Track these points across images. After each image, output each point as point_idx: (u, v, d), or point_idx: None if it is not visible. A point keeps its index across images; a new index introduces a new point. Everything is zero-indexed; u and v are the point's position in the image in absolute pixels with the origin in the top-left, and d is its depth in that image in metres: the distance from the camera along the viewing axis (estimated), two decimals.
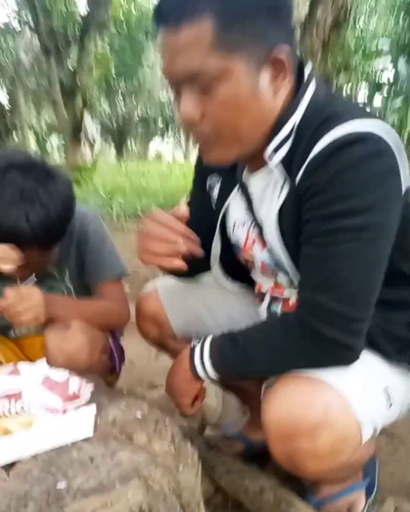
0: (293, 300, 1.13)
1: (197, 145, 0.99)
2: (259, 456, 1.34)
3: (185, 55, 0.86)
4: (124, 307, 1.41)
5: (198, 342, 1.07)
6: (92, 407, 0.99)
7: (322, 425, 0.91)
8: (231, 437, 1.46)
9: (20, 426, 0.95)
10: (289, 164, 0.95)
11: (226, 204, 1.15)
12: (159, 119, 22.32)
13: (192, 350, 1.07)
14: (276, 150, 0.96)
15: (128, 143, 23.58)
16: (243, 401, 1.56)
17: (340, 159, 0.85)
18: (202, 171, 1.22)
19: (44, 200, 1.17)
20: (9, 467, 0.87)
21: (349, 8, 6.20)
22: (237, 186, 1.11)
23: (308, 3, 6.08)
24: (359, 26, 11.02)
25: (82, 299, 1.42)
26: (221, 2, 0.84)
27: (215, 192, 1.19)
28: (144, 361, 2.24)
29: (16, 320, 1.19)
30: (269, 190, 1.03)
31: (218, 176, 1.17)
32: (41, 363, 1.12)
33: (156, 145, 26.39)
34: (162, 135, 23.15)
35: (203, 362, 1.05)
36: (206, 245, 1.18)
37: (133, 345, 2.01)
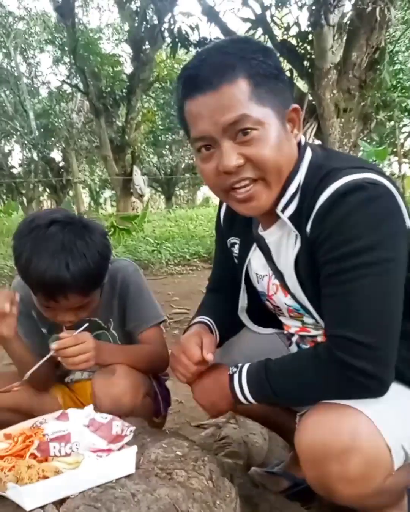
0: (319, 338, 1.20)
1: (234, 198, 1.08)
2: (303, 493, 1.34)
3: (228, 107, 0.99)
4: (165, 351, 1.49)
5: (236, 370, 1.13)
6: (134, 448, 1.05)
7: (351, 450, 0.95)
8: (276, 475, 1.47)
9: (69, 466, 1.02)
10: (298, 218, 1.06)
11: (247, 260, 1.26)
12: None
13: (231, 377, 1.13)
14: (286, 205, 1.08)
15: (177, 191, 24.28)
16: (285, 438, 1.58)
17: (341, 206, 0.96)
18: (222, 234, 1.35)
19: (82, 250, 1.29)
20: (59, 503, 0.94)
21: (384, 47, 6.33)
22: (255, 243, 1.22)
23: (343, 48, 6.26)
24: (398, 62, 11.09)
25: (127, 346, 1.51)
26: (251, 67, 1.00)
27: (236, 251, 1.30)
28: (192, 401, 2.28)
29: (69, 362, 1.28)
30: (283, 241, 1.14)
31: (236, 237, 1.29)
32: (88, 408, 1.20)
33: (204, 190, 26.99)
34: None
35: (243, 389, 1.11)
36: (238, 296, 1.31)
37: (183, 386, 2.06)
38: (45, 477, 0.97)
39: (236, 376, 1.12)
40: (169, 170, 22.02)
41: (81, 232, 1.32)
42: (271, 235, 1.17)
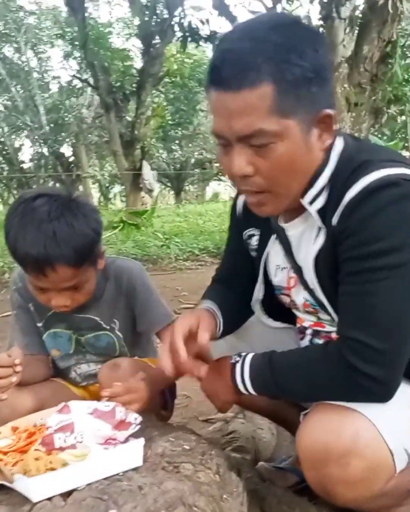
0: (334, 334, 1.16)
1: (244, 198, 1.08)
2: (311, 489, 1.33)
3: (245, 117, 0.92)
4: None
5: (239, 360, 1.11)
6: (141, 440, 1.05)
7: (351, 453, 0.94)
8: (283, 470, 1.46)
9: (76, 458, 1.02)
10: (324, 211, 1.02)
11: (265, 252, 1.22)
12: (215, 162, 22.94)
13: (233, 369, 1.11)
14: (314, 198, 1.03)
15: (186, 186, 24.27)
16: (292, 433, 1.56)
17: (371, 202, 0.92)
18: (238, 224, 1.31)
19: (69, 219, 1.25)
20: (66, 495, 0.94)
21: (396, 41, 6.26)
22: (274, 235, 1.19)
23: (354, 40, 6.21)
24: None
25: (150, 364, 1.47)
26: (279, 71, 0.90)
27: (254, 242, 1.26)
28: (200, 396, 2.28)
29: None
30: (306, 235, 1.10)
31: (255, 228, 1.25)
32: (91, 401, 1.19)
33: (213, 186, 26.98)
34: (218, 177, 23.77)
35: (244, 382, 1.09)
36: (246, 289, 1.29)
37: (190, 380, 2.05)
38: (53, 469, 0.97)
39: (238, 366, 1.11)
40: (178, 166, 22.01)
41: (69, 204, 1.28)
42: (293, 227, 1.12)
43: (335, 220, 0.98)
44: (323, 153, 1.02)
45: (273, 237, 1.20)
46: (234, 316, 1.31)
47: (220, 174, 22.46)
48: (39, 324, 1.52)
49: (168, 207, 15.65)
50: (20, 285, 1.49)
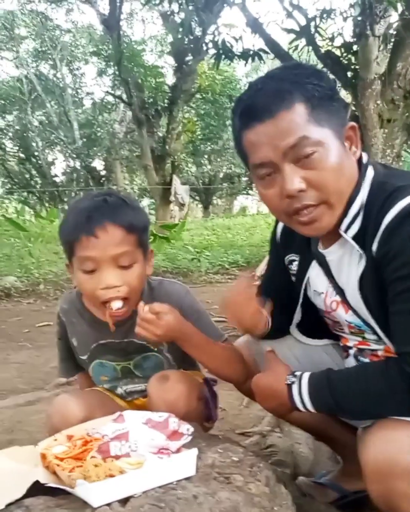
0: (380, 352, 1.20)
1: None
2: (351, 505, 1.35)
3: (287, 131, 1.03)
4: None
5: (295, 381, 1.14)
6: (195, 450, 1.09)
7: None
8: (323, 485, 1.48)
9: (131, 466, 1.07)
10: (363, 237, 1.08)
11: (306, 276, 1.28)
12: (243, 177, 23.04)
13: (290, 389, 1.14)
14: (349, 225, 1.10)
15: (214, 200, 24.39)
16: (335, 450, 1.58)
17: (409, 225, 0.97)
18: (279, 251, 1.38)
19: (121, 196, 1.39)
20: (124, 502, 0.98)
21: None
22: (314, 260, 1.25)
23: (388, 58, 6.22)
24: None
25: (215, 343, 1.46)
26: (306, 91, 1.04)
27: (294, 267, 1.33)
28: (236, 409, 2.31)
29: (137, 328, 1.29)
30: (345, 259, 1.16)
31: (296, 254, 1.32)
32: (144, 411, 1.24)
33: (241, 200, 27.06)
34: (246, 191, 23.83)
35: (304, 401, 1.12)
36: (284, 312, 1.34)
37: (225, 393, 2.08)
38: (111, 476, 1.01)
39: (295, 387, 1.14)
40: (207, 180, 22.17)
41: (119, 195, 1.40)
42: (331, 253, 1.19)
43: (375, 245, 1.04)
44: (355, 171, 1.10)
45: (313, 262, 1.25)
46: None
47: (248, 188, 22.55)
48: (84, 357, 1.54)
49: (197, 221, 15.77)
50: (63, 319, 1.57)
